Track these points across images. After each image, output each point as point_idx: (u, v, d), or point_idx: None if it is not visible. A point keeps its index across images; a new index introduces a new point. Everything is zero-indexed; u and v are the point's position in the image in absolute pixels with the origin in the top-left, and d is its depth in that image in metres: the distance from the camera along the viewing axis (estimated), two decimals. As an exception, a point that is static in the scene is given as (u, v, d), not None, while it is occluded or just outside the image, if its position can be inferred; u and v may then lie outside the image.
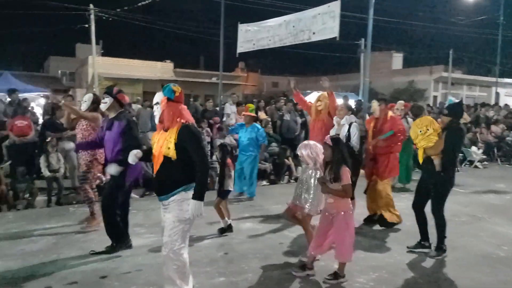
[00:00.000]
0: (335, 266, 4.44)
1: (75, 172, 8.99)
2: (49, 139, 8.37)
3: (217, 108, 13.27)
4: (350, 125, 6.28)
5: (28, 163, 8.47)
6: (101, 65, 25.54)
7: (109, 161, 5.03)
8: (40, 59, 41.72)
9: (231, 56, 14.31)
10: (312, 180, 4.68)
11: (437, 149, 5.06)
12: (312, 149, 4.68)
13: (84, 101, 6.03)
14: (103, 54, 29.79)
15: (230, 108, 11.47)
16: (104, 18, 22.89)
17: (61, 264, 4.79)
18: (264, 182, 9.99)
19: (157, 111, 3.62)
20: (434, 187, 5.15)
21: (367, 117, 12.43)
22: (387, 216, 6.35)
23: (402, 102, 8.59)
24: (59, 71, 35.95)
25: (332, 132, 6.42)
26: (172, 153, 3.43)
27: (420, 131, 5.14)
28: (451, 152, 5.10)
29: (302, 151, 4.71)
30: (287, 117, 11.03)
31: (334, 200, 4.31)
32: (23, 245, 5.44)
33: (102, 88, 25.21)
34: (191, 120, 3.59)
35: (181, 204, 3.47)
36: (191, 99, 14.36)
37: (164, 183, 3.54)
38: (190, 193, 3.44)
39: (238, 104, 11.38)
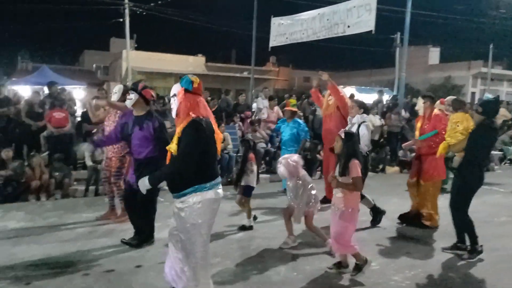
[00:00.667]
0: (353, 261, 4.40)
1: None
2: (94, 130, 8.58)
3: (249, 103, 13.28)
4: (360, 125, 6.05)
5: (65, 154, 8.70)
6: (134, 59, 25.95)
7: (137, 160, 4.94)
8: (75, 53, 42.81)
9: (262, 51, 14.27)
10: (300, 191, 4.85)
11: (459, 147, 4.89)
12: (287, 165, 4.84)
13: (115, 92, 5.90)
14: (137, 48, 30.25)
15: (262, 103, 11.44)
16: (138, 12, 23.24)
17: (98, 252, 4.91)
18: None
19: (174, 104, 3.37)
20: (456, 185, 5.01)
21: (403, 113, 12.22)
22: (430, 218, 6.14)
23: (452, 97, 8.16)
24: (94, 65, 36.73)
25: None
26: (174, 148, 3.23)
27: (451, 127, 4.95)
28: (472, 151, 4.84)
29: (279, 169, 4.93)
30: (319, 112, 10.90)
31: (343, 195, 4.23)
32: (62, 233, 5.62)
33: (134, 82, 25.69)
34: (206, 115, 3.32)
35: (192, 207, 3.23)
36: (223, 93, 14.42)
37: (173, 179, 3.34)
38: (204, 194, 3.24)
39: (270, 98, 11.35)
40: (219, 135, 3.42)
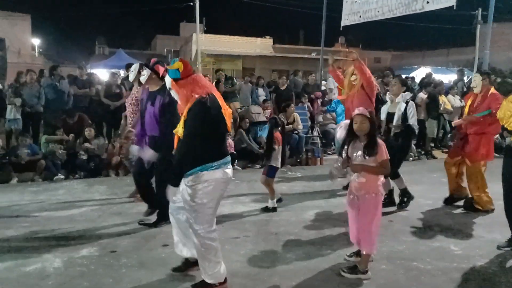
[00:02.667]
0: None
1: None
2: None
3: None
4: (407, 103, 5.72)
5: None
6: (203, 42, 26.43)
7: (151, 138, 4.84)
8: (148, 38, 44.42)
9: (331, 31, 13.88)
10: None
11: None
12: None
13: (131, 71, 5.58)
14: (206, 32, 30.77)
15: (333, 83, 11.19)
16: (208, -5, 23.50)
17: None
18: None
19: (175, 96, 3.30)
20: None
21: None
22: (480, 201, 5.79)
23: None
24: (165, 49, 37.97)
25: (384, 110, 5.97)
26: (181, 132, 3.16)
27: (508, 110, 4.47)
28: None
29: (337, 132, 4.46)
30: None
31: (366, 180, 3.71)
32: (140, 207, 5.88)
33: (204, 64, 26.20)
34: (209, 91, 3.20)
35: (198, 186, 3.18)
36: (291, 74, 14.27)
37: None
38: (209, 173, 3.17)
39: None
40: (227, 110, 3.29)
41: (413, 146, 9.88)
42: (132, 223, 5.17)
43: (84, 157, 8.21)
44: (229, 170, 3.30)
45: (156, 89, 4.85)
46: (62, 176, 7.90)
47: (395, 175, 5.85)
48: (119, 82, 10.19)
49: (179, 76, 3.20)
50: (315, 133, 10.24)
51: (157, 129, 4.76)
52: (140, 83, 5.24)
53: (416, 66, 17.42)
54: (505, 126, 4.66)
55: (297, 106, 10.22)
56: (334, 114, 10.05)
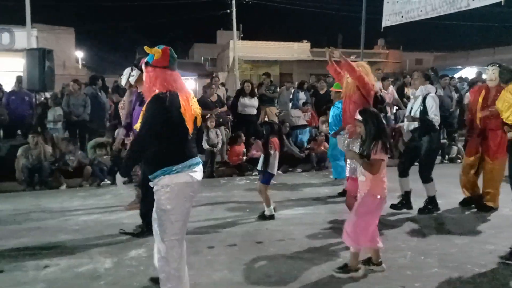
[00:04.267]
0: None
1: (223, 147, 9.61)
2: (208, 115, 9.00)
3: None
4: (425, 97, 5.43)
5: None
6: (240, 49, 26.66)
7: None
8: (185, 47, 45.24)
9: (370, 33, 13.64)
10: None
11: None
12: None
13: (123, 75, 5.31)
14: (243, 38, 31.04)
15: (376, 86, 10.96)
16: (244, 2, 23.76)
17: (220, 228, 5.15)
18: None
19: (126, 76, 3.28)
20: None
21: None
22: (493, 198, 5.55)
23: None
24: (202, 57, 38.55)
25: (408, 108, 5.72)
26: (138, 127, 3.00)
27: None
28: None
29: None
30: (440, 92, 10.10)
31: (366, 178, 3.67)
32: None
33: (241, 71, 26.41)
34: (172, 89, 2.97)
35: (161, 191, 2.97)
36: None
37: (144, 161, 3.12)
38: (170, 177, 2.93)
39: (383, 79, 10.85)
40: (188, 111, 3.01)
41: (460, 146, 9.51)
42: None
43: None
44: (195, 173, 3.05)
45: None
46: (109, 182, 8.12)
47: (427, 179, 5.56)
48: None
49: (150, 62, 3.05)
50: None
51: None
52: (131, 86, 5.09)
53: (460, 67, 16.84)
54: (504, 119, 4.37)
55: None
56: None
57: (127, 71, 5.15)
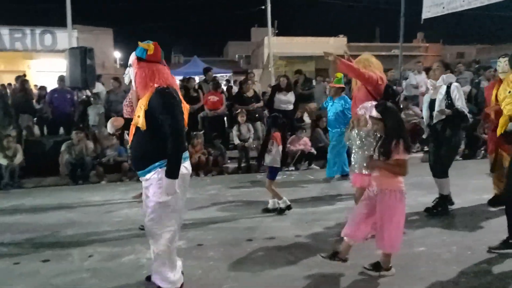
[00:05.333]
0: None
1: (259, 142, 9.60)
2: (238, 110, 9.04)
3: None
4: (449, 86, 5.02)
5: (220, 134, 9.29)
6: (275, 45, 26.52)
7: None
8: (220, 45, 45.64)
9: (409, 26, 13.29)
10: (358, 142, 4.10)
11: None
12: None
13: (126, 73, 5.47)
14: (277, 34, 30.90)
15: (414, 78, 10.68)
16: (279, -2, 23.60)
17: (256, 222, 5.16)
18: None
19: (129, 75, 3.17)
20: None
21: None
22: None
23: None
24: (236, 55, 38.71)
25: (426, 99, 5.32)
26: (142, 123, 2.97)
27: (510, 92, 3.82)
28: None
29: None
30: (484, 84, 9.73)
31: (381, 173, 3.46)
32: (222, 205, 6.00)
33: (276, 67, 26.30)
34: (169, 84, 3.02)
35: (159, 184, 2.97)
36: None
37: (138, 156, 3.13)
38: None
39: (427, 70, 10.59)
40: (185, 105, 3.10)
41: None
42: (215, 218, 5.33)
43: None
44: (186, 164, 3.11)
45: None
46: (148, 176, 8.25)
47: (442, 174, 5.16)
48: (196, 86, 10.51)
49: (144, 57, 3.06)
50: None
51: None
52: None
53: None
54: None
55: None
56: (416, 109, 9.58)
57: (128, 69, 5.21)
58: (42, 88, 11.40)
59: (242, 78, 12.34)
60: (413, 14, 12.02)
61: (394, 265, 3.55)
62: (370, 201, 3.51)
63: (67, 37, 14.20)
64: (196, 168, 8.58)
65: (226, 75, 23.89)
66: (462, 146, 8.45)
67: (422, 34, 34.63)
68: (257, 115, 9.52)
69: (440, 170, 5.17)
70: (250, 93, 9.59)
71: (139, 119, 2.99)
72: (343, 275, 3.53)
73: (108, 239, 4.63)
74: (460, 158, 8.93)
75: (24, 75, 11.29)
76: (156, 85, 2.96)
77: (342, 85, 7.32)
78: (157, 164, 2.97)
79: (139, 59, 3.08)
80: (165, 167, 2.92)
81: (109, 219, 5.47)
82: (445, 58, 34.73)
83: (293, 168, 8.52)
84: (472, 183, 6.52)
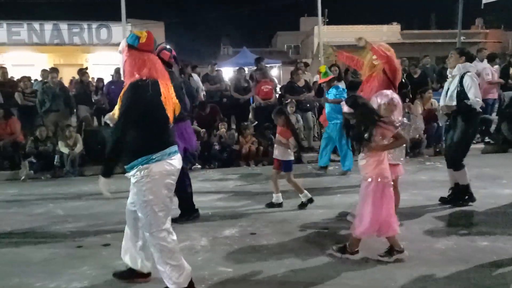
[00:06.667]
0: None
1: (310, 132, 9.51)
2: (288, 100, 8.98)
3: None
4: (462, 76, 4.75)
5: (271, 124, 9.25)
6: (325, 34, 26.06)
7: None
8: (269, 36, 45.46)
9: (466, 12, 12.61)
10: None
11: None
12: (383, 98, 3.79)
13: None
14: (327, 23, 30.38)
15: (476, 66, 10.11)
16: (329, -14, 23.13)
17: (306, 212, 5.14)
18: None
19: (120, 62, 3.02)
20: None
21: None
22: None
23: None
24: (285, 45, 38.48)
25: (445, 86, 5.09)
26: (117, 114, 2.88)
27: None
28: None
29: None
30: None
31: (365, 162, 3.57)
32: (271, 193, 5.98)
33: (326, 57, 25.89)
34: (154, 76, 2.87)
35: (141, 182, 2.85)
36: (421, 60, 13.31)
37: (122, 152, 2.95)
38: (150, 166, 2.82)
39: (492, 58, 10.11)
40: (169, 99, 2.92)
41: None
42: (266, 208, 5.34)
43: (217, 147, 8.63)
44: (174, 161, 2.96)
45: None
46: (199, 166, 8.41)
47: (457, 166, 5.01)
48: (247, 77, 10.53)
49: (135, 45, 2.90)
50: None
51: None
52: None
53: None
54: None
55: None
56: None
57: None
58: (100, 80, 11.81)
59: (291, 68, 12.24)
60: (473, -1, 11.39)
61: (456, 259, 3.38)
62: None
63: (121, 30, 14.64)
64: (246, 158, 8.64)
65: (276, 65, 23.81)
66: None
67: (481, 20, 32.79)
68: (308, 105, 9.41)
69: (453, 162, 5.05)
70: (301, 83, 9.49)
71: (116, 111, 2.93)
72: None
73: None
74: None
75: (86, 68, 11.74)
76: (137, 76, 2.84)
77: (331, 76, 7.52)
78: (139, 160, 2.84)
79: (130, 46, 2.93)
80: (151, 163, 2.82)
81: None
82: (506, 44, 32.89)
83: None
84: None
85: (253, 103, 10.10)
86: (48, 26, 19.99)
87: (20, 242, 4.38)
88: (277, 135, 5.40)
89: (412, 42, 26.84)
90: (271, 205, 5.38)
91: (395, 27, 30.79)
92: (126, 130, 2.81)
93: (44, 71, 10.55)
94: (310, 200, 5.28)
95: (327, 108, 7.33)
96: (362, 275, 3.35)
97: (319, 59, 23.94)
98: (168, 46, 4.77)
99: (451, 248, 3.82)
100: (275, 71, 23.27)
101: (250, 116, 10.10)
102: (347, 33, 28.49)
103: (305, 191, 5.29)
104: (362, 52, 5.01)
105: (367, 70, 5.07)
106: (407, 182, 6.40)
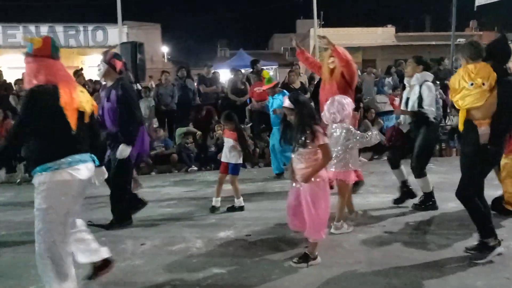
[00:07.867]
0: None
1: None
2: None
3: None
4: (421, 85, 4.83)
5: (267, 126, 9.27)
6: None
7: (111, 132, 4.62)
8: (265, 38, 45.62)
9: (460, 15, 12.69)
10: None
11: (487, 111, 3.49)
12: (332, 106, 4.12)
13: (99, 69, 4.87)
14: (323, 26, 30.46)
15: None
16: (325, -12, 23.23)
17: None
18: None
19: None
20: (471, 161, 3.63)
21: None
22: (508, 201, 4.70)
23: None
24: (282, 47, 38.52)
25: (404, 96, 5.12)
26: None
27: (471, 84, 3.46)
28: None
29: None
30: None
31: (305, 166, 3.54)
32: (268, 194, 6.06)
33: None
34: (54, 81, 2.82)
35: (38, 189, 2.80)
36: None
37: (25, 157, 2.94)
38: (47, 175, 2.77)
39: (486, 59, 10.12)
40: (71, 105, 2.81)
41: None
42: (263, 210, 5.35)
43: (214, 149, 8.65)
44: (77, 171, 2.85)
45: (111, 84, 4.62)
46: (195, 168, 8.43)
47: (419, 174, 5.03)
48: (244, 79, 10.55)
49: (30, 51, 2.86)
50: (449, 122, 9.47)
51: (112, 125, 4.60)
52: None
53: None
54: (453, 101, 3.68)
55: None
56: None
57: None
58: (96, 82, 11.80)
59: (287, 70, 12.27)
60: (465, 1, 11.47)
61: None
62: (293, 194, 3.69)
63: (117, 32, 14.66)
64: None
65: (272, 67, 23.87)
66: None
67: (475, 22, 32.96)
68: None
69: (416, 170, 5.07)
70: (296, 85, 9.52)
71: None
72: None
73: (159, 228, 4.75)
74: None
75: (81, 69, 11.73)
76: (35, 82, 2.80)
77: (275, 82, 7.54)
78: (37, 168, 2.79)
79: (26, 54, 2.89)
80: (48, 172, 2.77)
81: (160, 208, 5.60)
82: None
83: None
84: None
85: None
86: (44, 28, 19.90)
87: (16, 245, 4.37)
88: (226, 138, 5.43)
89: (407, 44, 26.95)
90: (232, 209, 5.33)
91: (390, 30, 30.92)
92: (19, 138, 2.82)
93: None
94: (241, 208, 5.31)
95: (271, 115, 7.26)
96: (363, 275, 3.38)
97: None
98: (118, 54, 4.89)
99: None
100: (272, 73, 23.31)
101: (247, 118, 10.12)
102: (343, 36, 28.59)
103: (241, 198, 5.36)
104: (356, 53, 5.16)
105: (326, 74, 5.25)
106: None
